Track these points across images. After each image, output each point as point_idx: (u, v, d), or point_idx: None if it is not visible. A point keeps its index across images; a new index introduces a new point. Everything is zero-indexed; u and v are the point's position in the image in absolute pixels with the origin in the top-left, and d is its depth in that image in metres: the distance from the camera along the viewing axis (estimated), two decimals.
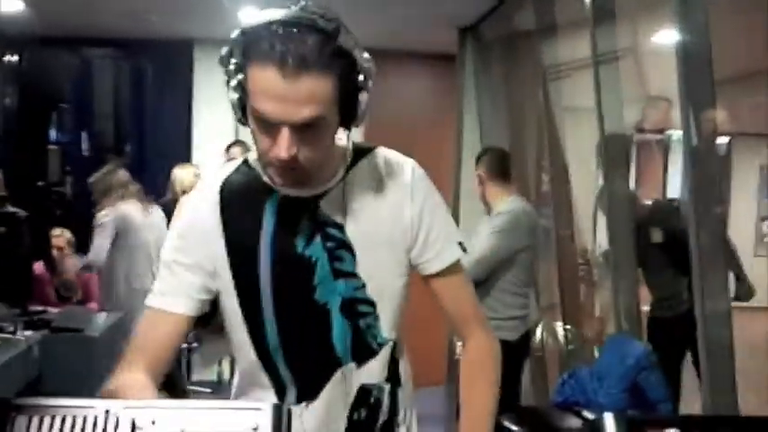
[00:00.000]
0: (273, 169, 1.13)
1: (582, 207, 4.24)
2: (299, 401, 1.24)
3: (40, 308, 3.57)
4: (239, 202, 1.21)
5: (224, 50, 1.10)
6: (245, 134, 4.76)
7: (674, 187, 8.64)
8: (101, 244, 4.08)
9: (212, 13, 4.61)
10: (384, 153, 1.27)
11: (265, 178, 1.20)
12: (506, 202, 3.27)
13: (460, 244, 1.29)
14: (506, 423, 2.65)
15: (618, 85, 3.15)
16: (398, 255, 1.24)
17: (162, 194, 4.75)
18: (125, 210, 4.12)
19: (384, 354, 1.27)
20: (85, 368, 3.11)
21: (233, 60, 1.08)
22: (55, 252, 4.33)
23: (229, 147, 4.82)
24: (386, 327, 1.25)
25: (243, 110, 1.12)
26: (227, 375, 5.15)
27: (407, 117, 5.00)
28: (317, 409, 1.24)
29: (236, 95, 1.11)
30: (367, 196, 1.22)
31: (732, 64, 3.81)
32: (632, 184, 4.99)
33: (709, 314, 2.47)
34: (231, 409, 0.79)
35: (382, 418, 1.29)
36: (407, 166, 1.25)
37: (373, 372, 1.26)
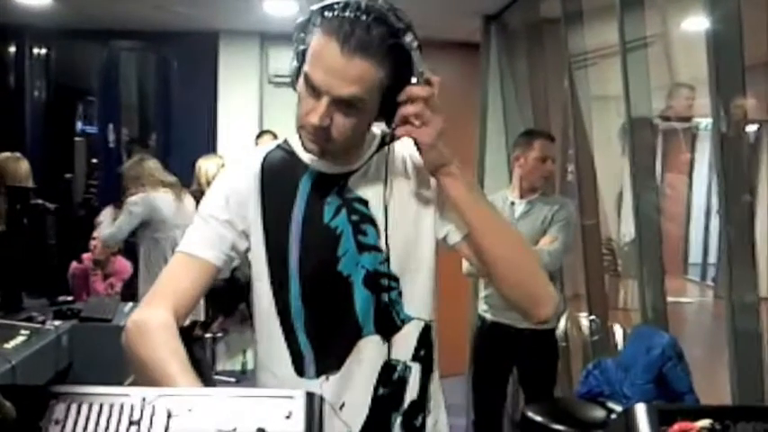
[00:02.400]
0: (305, 133, 1.19)
1: (607, 196, 4.20)
2: (318, 372, 1.26)
3: (69, 298, 3.62)
4: (277, 173, 1.29)
5: (300, 19, 1.18)
6: (269, 125, 4.77)
7: (701, 176, 8.55)
8: (122, 226, 3.96)
9: (237, 5, 4.64)
10: (409, 141, 1.29)
11: (302, 155, 1.28)
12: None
13: None
14: (530, 414, 2.64)
15: (646, 72, 3.11)
16: (423, 232, 1.28)
17: (188, 185, 4.79)
18: (156, 199, 4.01)
19: (410, 331, 1.28)
20: (114, 357, 3.14)
21: (302, 33, 1.17)
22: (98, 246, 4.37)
23: (259, 135, 4.85)
24: (410, 304, 1.28)
25: (297, 75, 1.19)
26: (251, 365, 5.20)
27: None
28: (338, 381, 1.25)
29: (296, 63, 1.19)
30: (393, 176, 1.27)
31: (763, 49, 3.75)
32: (658, 173, 4.95)
33: (737, 305, 2.45)
34: (265, 397, 0.80)
35: (409, 398, 1.29)
36: None
37: (398, 348, 1.28)
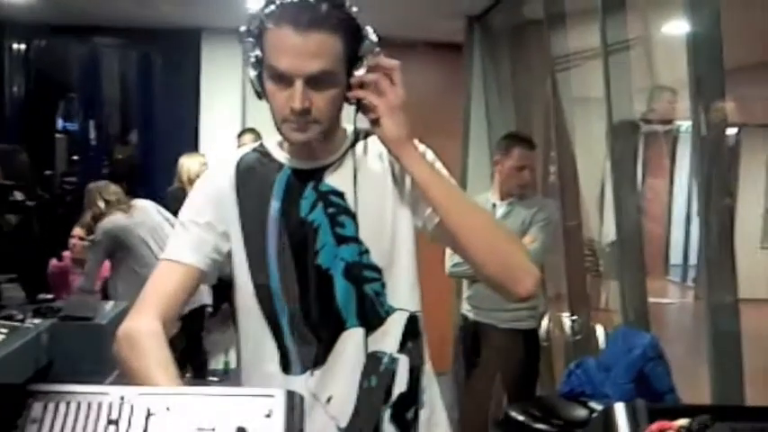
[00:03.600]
0: (288, 126, 1.21)
1: (589, 198, 4.23)
2: (304, 367, 1.26)
3: (49, 296, 3.58)
4: (252, 174, 1.31)
5: (242, 27, 1.21)
6: (252, 123, 4.75)
7: (682, 178, 8.64)
8: (92, 268, 4.02)
9: (220, 2, 4.61)
10: None
11: (277, 156, 1.32)
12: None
13: None
14: (513, 413, 2.66)
15: (627, 75, 3.14)
16: (401, 222, 1.30)
17: (170, 183, 4.76)
18: (111, 222, 4.01)
19: (395, 323, 1.29)
20: (94, 355, 3.13)
21: (249, 38, 1.20)
22: (77, 243, 4.32)
23: (241, 134, 4.84)
24: (394, 295, 1.29)
25: (260, 84, 1.22)
26: (234, 365, 5.18)
27: (415, 106, 4.97)
28: (324, 375, 1.26)
29: (254, 71, 1.22)
30: (367, 168, 1.30)
31: (742, 53, 3.80)
32: (639, 175, 4.99)
33: (716, 306, 2.47)
34: (245, 395, 0.79)
35: (398, 390, 1.29)
36: None
37: (384, 340, 1.28)
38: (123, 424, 0.76)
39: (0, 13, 5.05)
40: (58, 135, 6.12)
